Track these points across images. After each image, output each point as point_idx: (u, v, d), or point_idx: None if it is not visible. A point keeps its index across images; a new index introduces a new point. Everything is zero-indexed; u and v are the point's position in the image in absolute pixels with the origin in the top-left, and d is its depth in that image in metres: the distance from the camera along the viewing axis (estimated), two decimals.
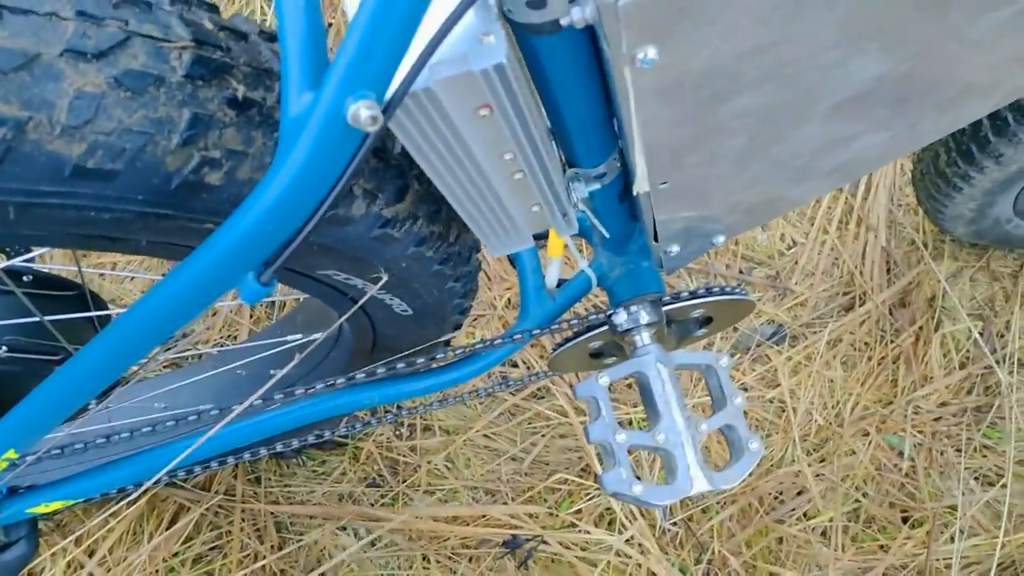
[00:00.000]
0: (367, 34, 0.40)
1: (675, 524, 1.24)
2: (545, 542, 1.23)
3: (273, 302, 1.36)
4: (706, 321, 0.87)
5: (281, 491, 1.26)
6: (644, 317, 0.72)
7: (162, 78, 0.45)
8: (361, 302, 0.67)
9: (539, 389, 1.36)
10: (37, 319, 0.69)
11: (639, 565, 1.20)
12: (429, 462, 1.29)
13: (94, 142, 0.43)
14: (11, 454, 0.59)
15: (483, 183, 0.57)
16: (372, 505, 1.26)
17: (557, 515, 1.25)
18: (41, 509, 0.77)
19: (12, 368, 0.74)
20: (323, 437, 0.98)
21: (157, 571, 1.18)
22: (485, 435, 1.32)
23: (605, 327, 0.74)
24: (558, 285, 0.89)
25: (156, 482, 0.85)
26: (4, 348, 0.69)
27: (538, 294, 0.87)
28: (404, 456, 1.30)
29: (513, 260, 0.91)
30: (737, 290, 0.83)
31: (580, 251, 0.89)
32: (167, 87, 0.46)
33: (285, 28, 0.43)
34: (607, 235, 0.78)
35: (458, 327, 0.92)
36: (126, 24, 0.45)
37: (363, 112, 0.41)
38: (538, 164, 0.57)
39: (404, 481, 1.28)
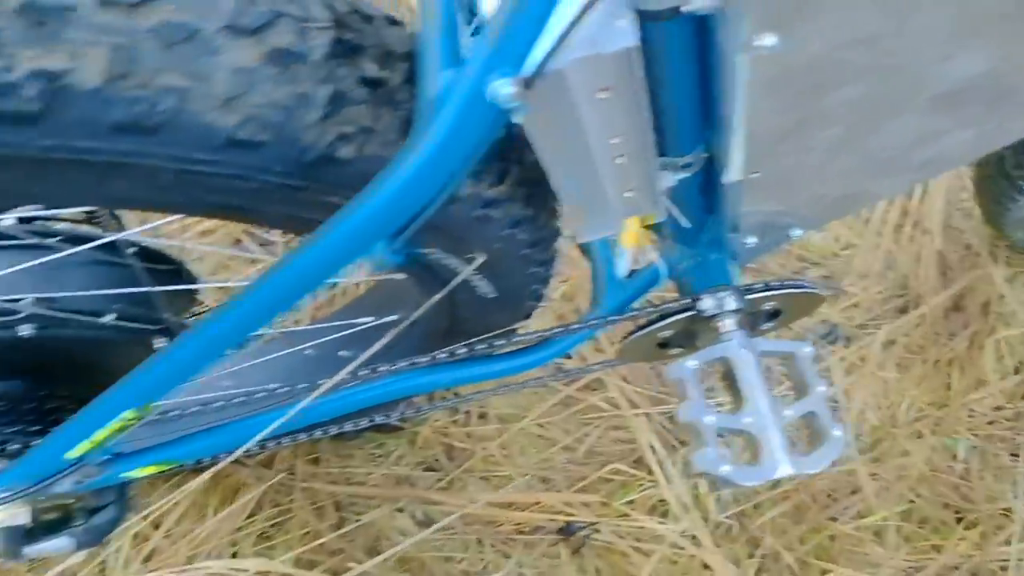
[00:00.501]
0: (512, 15, 0.42)
1: (728, 517, 1.25)
2: (598, 531, 1.25)
3: (334, 284, 1.38)
4: (775, 314, 0.88)
5: (340, 472, 1.29)
6: (731, 303, 0.74)
7: (304, 56, 0.48)
8: (458, 279, 0.69)
9: (592, 381, 1.38)
10: (143, 289, 0.72)
11: (692, 556, 1.21)
12: (484, 448, 1.31)
13: (247, 114, 0.45)
14: (129, 414, 0.62)
15: (588, 165, 0.59)
16: (428, 488, 1.28)
17: (610, 505, 1.27)
18: (135, 474, 0.80)
19: (112, 335, 0.78)
20: (387, 419, 1.00)
21: (220, 545, 1.22)
22: (539, 424, 1.34)
23: (690, 312, 0.75)
24: (628, 275, 0.91)
25: (230, 455, 0.88)
26: (114, 315, 0.72)
27: (611, 283, 0.89)
28: (460, 442, 1.32)
29: (585, 250, 0.93)
30: (811, 284, 0.84)
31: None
32: (309, 65, 0.48)
33: (426, 10, 0.45)
34: (687, 225, 0.80)
35: (529, 315, 0.94)
36: (274, 4, 0.47)
37: (504, 90, 0.43)
38: (641, 149, 0.59)
39: (460, 467, 1.30)
